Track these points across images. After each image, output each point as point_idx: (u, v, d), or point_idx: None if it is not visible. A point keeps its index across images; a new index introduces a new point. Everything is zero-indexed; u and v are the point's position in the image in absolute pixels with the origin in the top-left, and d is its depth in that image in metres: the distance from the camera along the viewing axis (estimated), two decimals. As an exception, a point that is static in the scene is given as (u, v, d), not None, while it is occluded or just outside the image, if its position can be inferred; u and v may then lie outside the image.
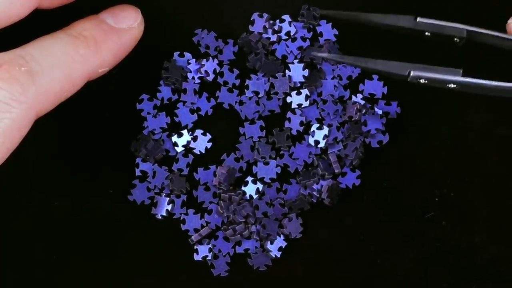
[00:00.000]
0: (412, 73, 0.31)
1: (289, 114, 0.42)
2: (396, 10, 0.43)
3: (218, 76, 0.42)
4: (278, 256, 0.41)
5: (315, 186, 0.41)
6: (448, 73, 0.32)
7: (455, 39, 0.33)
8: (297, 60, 0.43)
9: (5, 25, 0.35)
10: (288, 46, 0.43)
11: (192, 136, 0.42)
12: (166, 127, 0.42)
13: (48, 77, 0.34)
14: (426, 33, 0.32)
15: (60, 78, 0.34)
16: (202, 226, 0.41)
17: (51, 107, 0.35)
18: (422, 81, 0.32)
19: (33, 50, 0.34)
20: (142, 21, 0.38)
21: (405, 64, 0.34)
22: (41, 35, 0.36)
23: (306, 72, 0.42)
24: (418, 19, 0.32)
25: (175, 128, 0.42)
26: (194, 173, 0.42)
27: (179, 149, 0.42)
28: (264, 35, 0.43)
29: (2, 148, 0.33)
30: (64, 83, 0.35)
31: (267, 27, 0.43)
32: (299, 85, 0.42)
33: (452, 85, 0.32)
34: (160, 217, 0.41)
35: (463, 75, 0.32)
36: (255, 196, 0.41)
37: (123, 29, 0.37)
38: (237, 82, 0.43)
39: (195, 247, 0.41)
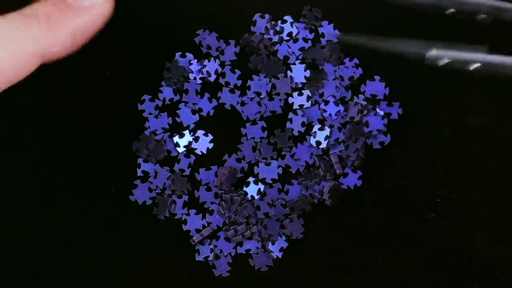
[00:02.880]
0: (435, 52, 0.29)
1: (290, 115, 0.42)
2: (398, 9, 0.43)
3: (220, 77, 0.43)
4: (280, 256, 0.41)
5: (316, 187, 0.41)
6: (473, 50, 0.30)
7: (480, 15, 0.31)
8: (299, 61, 0.43)
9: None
10: (290, 47, 0.43)
11: (193, 137, 0.42)
12: (168, 127, 0.42)
13: None
14: (450, 10, 0.31)
15: (8, 59, 0.33)
16: (204, 227, 0.41)
17: (1, 89, 0.34)
18: (445, 60, 0.30)
19: None
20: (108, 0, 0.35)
21: (426, 43, 0.32)
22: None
23: (307, 73, 0.42)
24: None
25: (177, 129, 0.42)
26: (196, 174, 0.42)
27: (181, 149, 0.42)
28: (266, 36, 0.43)
29: None
30: (13, 64, 0.33)
31: (269, 27, 0.43)
32: (300, 86, 0.42)
33: (475, 65, 0.30)
34: (161, 218, 0.41)
35: (490, 52, 0.30)
36: (256, 197, 0.42)
37: (83, 7, 0.34)
38: (239, 82, 0.43)
39: (196, 247, 0.41)
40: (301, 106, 0.42)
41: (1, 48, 0.32)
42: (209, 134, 0.42)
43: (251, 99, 0.42)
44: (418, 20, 0.41)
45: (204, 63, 0.42)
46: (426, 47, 0.29)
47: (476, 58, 0.29)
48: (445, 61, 0.29)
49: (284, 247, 0.41)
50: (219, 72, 0.42)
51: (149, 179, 0.42)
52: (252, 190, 0.42)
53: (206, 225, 0.41)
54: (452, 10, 0.30)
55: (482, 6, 0.30)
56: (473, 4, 0.30)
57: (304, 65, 0.42)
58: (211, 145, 0.42)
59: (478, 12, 0.30)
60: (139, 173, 0.42)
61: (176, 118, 0.42)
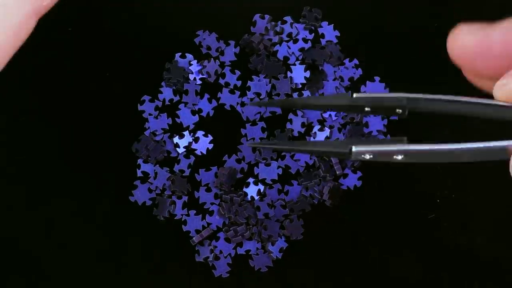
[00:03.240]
0: (354, 149, 0.30)
1: (290, 116, 0.42)
2: (398, 10, 0.43)
3: (220, 77, 0.42)
4: (279, 257, 0.41)
5: (316, 188, 0.41)
6: (392, 143, 0.30)
7: (397, 110, 0.31)
8: (299, 61, 0.43)
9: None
10: (289, 48, 0.43)
11: (193, 137, 0.42)
12: (168, 128, 0.42)
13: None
14: (366, 108, 0.31)
15: (9, 26, 0.33)
16: (204, 227, 0.42)
17: (6, 58, 0.34)
18: (367, 156, 0.30)
19: None
20: None
21: (345, 142, 0.33)
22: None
23: (307, 74, 0.42)
24: (355, 95, 0.30)
25: (177, 129, 0.42)
26: (196, 174, 0.42)
27: (181, 150, 0.42)
28: (266, 37, 0.43)
29: None
30: (14, 28, 0.34)
31: (269, 28, 0.43)
32: (300, 86, 0.42)
33: (399, 157, 0.30)
34: (161, 218, 0.41)
35: (409, 142, 0.30)
36: (256, 198, 0.42)
37: None
38: (239, 83, 0.43)
39: (196, 248, 0.41)
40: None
41: (3, 17, 0.32)
42: (209, 135, 0.42)
43: (251, 99, 0.42)
44: (400, 42, 0.41)
45: (204, 64, 0.42)
46: (347, 145, 0.29)
47: (397, 150, 0.29)
48: (369, 156, 0.29)
49: (284, 248, 0.41)
50: (219, 72, 0.42)
51: (149, 180, 0.42)
52: (252, 190, 0.42)
53: (206, 226, 0.42)
54: (368, 109, 0.30)
55: (397, 102, 0.30)
56: (388, 99, 0.30)
57: (304, 65, 0.42)
58: (211, 146, 0.42)
59: (394, 107, 0.30)
60: (139, 173, 0.42)
61: (176, 119, 0.42)
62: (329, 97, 0.31)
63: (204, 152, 0.42)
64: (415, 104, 0.30)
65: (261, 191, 0.42)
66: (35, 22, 0.34)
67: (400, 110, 0.30)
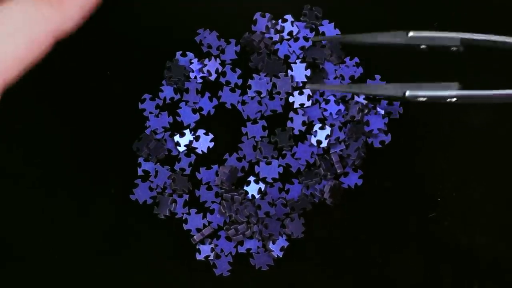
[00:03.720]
0: (407, 93, 0.31)
1: (291, 114, 0.42)
2: (399, 8, 0.43)
3: (221, 76, 0.42)
4: (280, 256, 0.41)
5: (317, 186, 0.41)
6: (444, 88, 0.31)
7: (452, 48, 0.32)
8: (300, 60, 0.43)
9: (25, 70, 0.35)
10: (290, 46, 0.43)
11: (194, 136, 0.42)
12: (169, 126, 0.42)
13: (12, 42, 0.33)
14: (422, 46, 0.32)
15: (24, 42, 0.34)
16: (204, 226, 0.41)
17: (18, 73, 0.35)
18: (421, 99, 0.32)
19: None
20: None
21: (401, 85, 0.34)
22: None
23: (308, 72, 0.42)
24: (410, 33, 0.31)
25: (177, 128, 0.42)
26: (196, 173, 0.42)
27: (181, 148, 0.42)
28: (267, 35, 0.43)
29: None
30: (29, 46, 0.34)
31: (270, 26, 0.43)
32: (301, 85, 0.42)
33: (452, 99, 0.32)
34: (162, 217, 0.41)
35: (460, 88, 0.32)
36: (257, 196, 0.41)
37: None
38: (240, 82, 0.42)
39: (197, 246, 0.41)
40: (301, 105, 0.42)
41: (17, 33, 0.33)
42: (209, 133, 0.42)
43: (252, 98, 0.42)
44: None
45: (205, 62, 0.42)
46: (402, 88, 0.30)
47: (448, 95, 0.30)
48: (423, 99, 0.31)
49: (285, 247, 0.41)
50: (220, 71, 0.42)
51: (149, 178, 0.42)
52: (252, 189, 0.42)
53: (207, 224, 0.41)
54: (424, 46, 0.31)
55: (451, 39, 0.31)
56: (442, 39, 0.31)
57: (305, 64, 0.42)
58: (211, 144, 0.42)
59: (448, 45, 0.31)
60: (140, 172, 0.42)
61: (177, 117, 0.42)
62: (386, 35, 0.32)
63: (205, 151, 0.42)
64: (468, 42, 0.31)
65: (262, 189, 0.42)
66: (52, 43, 0.34)
67: (455, 48, 0.31)
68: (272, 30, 0.43)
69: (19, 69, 0.34)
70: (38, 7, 0.34)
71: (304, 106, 0.42)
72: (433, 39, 0.31)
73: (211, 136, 0.42)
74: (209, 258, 0.41)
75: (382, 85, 0.35)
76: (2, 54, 0.32)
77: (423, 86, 0.31)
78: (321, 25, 0.43)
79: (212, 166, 0.42)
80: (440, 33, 0.31)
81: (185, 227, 0.41)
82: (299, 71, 0.42)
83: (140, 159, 0.42)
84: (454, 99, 0.31)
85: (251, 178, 0.42)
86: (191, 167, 0.42)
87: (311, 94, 0.42)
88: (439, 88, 0.31)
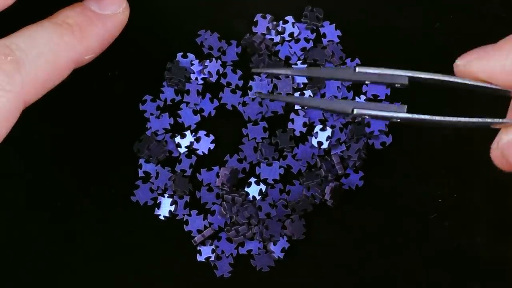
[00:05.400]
0: (355, 111, 0.31)
1: (292, 115, 0.42)
2: (400, 10, 0.43)
3: (221, 77, 0.42)
4: (281, 257, 0.41)
5: (318, 187, 0.41)
6: (392, 109, 0.32)
7: (397, 85, 0.32)
8: (300, 61, 0.43)
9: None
10: (291, 47, 0.43)
11: (195, 137, 0.42)
12: (169, 128, 0.42)
13: (34, 65, 0.34)
14: (366, 82, 0.32)
15: (46, 66, 0.34)
16: (205, 227, 0.41)
17: (38, 96, 0.35)
18: (366, 118, 0.32)
19: (18, 39, 0.34)
20: (127, 7, 0.38)
21: (348, 102, 0.35)
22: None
23: (309, 73, 0.42)
24: (357, 69, 0.32)
25: (178, 129, 0.42)
26: (197, 174, 0.42)
27: (182, 150, 0.42)
28: (268, 36, 0.43)
29: None
30: (50, 71, 0.35)
31: (271, 28, 0.43)
32: (302, 86, 0.42)
33: (398, 120, 0.32)
34: (163, 218, 0.41)
35: (408, 111, 0.32)
36: (258, 197, 0.42)
37: (108, 15, 0.37)
38: (240, 83, 0.42)
39: (198, 248, 0.41)
40: (302, 106, 0.42)
41: (39, 57, 0.34)
42: (210, 135, 0.42)
43: (253, 99, 0.42)
44: (400, 43, 0.42)
45: (206, 64, 0.42)
46: (350, 106, 0.31)
47: (395, 116, 0.31)
48: (369, 118, 0.32)
49: (286, 248, 0.41)
50: (221, 72, 0.42)
51: (150, 180, 0.42)
52: (253, 190, 0.42)
53: (208, 226, 0.41)
54: (368, 82, 0.32)
55: (396, 78, 0.32)
56: (387, 77, 0.31)
57: (306, 65, 0.42)
58: (212, 146, 0.42)
59: (393, 83, 0.32)
60: (141, 173, 0.42)
61: (178, 119, 0.42)
62: (333, 70, 0.33)
63: (206, 152, 0.42)
64: (416, 81, 0.32)
65: (263, 191, 0.42)
66: (71, 70, 0.35)
67: (399, 85, 0.31)
68: (273, 32, 0.43)
69: (40, 93, 0.35)
70: (62, 35, 0.35)
71: (305, 107, 0.42)
72: (380, 77, 0.32)
73: (212, 137, 0.42)
74: (210, 260, 0.41)
75: (333, 101, 0.36)
76: (25, 77, 0.33)
77: (371, 105, 0.32)
78: (322, 26, 0.43)
79: (213, 167, 0.42)
80: (387, 70, 0.32)
81: (186, 228, 0.41)
82: (300, 73, 0.42)
83: (141, 161, 0.42)
84: (399, 120, 0.31)
85: (252, 180, 0.42)
86: (192, 169, 0.42)
87: (311, 95, 0.42)
88: (387, 109, 0.31)
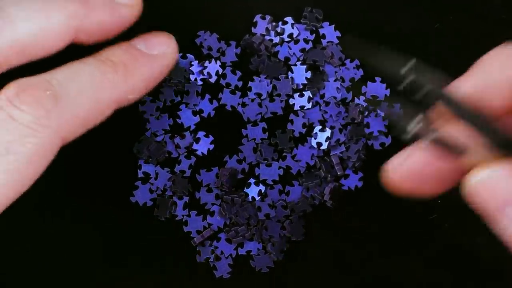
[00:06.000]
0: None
1: (291, 116, 0.42)
2: (399, 11, 0.43)
3: (221, 78, 0.42)
4: (281, 258, 0.41)
5: (317, 188, 0.41)
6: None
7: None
8: (300, 62, 0.43)
9: (39, 57, 0.34)
10: (290, 48, 0.43)
11: (194, 138, 0.42)
12: (169, 129, 0.42)
13: (74, 101, 0.32)
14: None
15: (86, 103, 0.33)
16: (205, 228, 0.42)
17: (78, 133, 0.34)
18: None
19: (59, 74, 0.33)
20: (175, 47, 0.37)
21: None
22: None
23: (308, 74, 0.42)
24: None
25: (178, 130, 0.42)
26: (197, 175, 0.42)
27: (182, 150, 0.42)
28: (267, 37, 0.43)
29: (25, 173, 0.32)
30: (90, 108, 0.33)
31: (270, 29, 0.43)
32: (301, 87, 0.42)
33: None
34: (162, 219, 0.42)
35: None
36: (257, 198, 0.42)
37: (155, 55, 0.36)
38: (240, 84, 0.42)
39: (197, 248, 0.41)
40: (302, 107, 0.42)
41: (81, 92, 0.32)
42: (209, 135, 0.42)
43: (252, 100, 0.42)
44: (400, 43, 0.42)
45: (205, 64, 0.42)
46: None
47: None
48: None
49: (285, 249, 0.41)
50: (220, 73, 0.42)
51: (149, 181, 0.42)
52: (253, 191, 0.42)
53: (207, 227, 0.42)
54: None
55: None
56: None
57: (305, 66, 0.42)
58: (211, 146, 0.42)
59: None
60: (140, 174, 0.42)
61: (177, 120, 0.42)
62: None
63: (205, 153, 0.42)
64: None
65: (262, 191, 0.42)
66: (114, 109, 0.34)
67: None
68: (272, 32, 0.43)
69: (79, 130, 0.34)
70: (105, 72, 0.34)
71: (304, 108, 0.42)
72: None
73: (211, 138, 0.42)
74: (209, 260, 0.41)
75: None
76: (64, 113, 0.32)
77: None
78: (322, 27, 0.43)
79: (212, 168, 0.42)
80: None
81: (185, 229, 0.42)
82: (300, 73, 0.42)
83: (140, 161, 0.42)
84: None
85: (251, 180, 0.42)
86: (191, 169, 0.42)
87: (311, 96, 0.42)
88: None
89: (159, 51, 0.36)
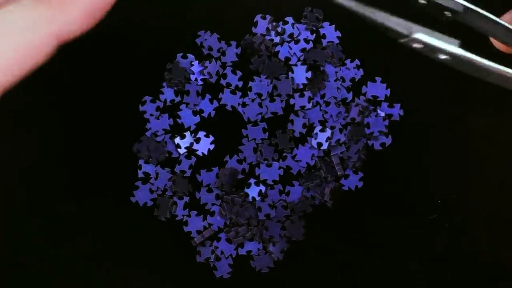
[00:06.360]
0: (414, 35, 0.30)
1: (292, 116, 0.42)
2: (399, 10, 0.43)
3: (221, 78, 0.42)
4: (281, 258, 0.41)
5: (317, 188, 0.41)
6: (446, 42, 0.31)
7: (447, 13, 0.32)
8: (300, 62, 0.43)
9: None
10: (291, 48, 0.43)
11: (194, 138, 0.42)
12: (169, 129, 0.42)
13: (10, 45, 0.32)
14: (422, 1, 0.32)
15: (23, 45, 0.33)
16: (205, 228, 0.41)
17: (18, 78, 0.34)
18: (417, 45, 0.31)
19: None
20: None
21: (409, 24, 0.33)
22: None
23: (309, 74, 0.42)
24: None
25: (178, 130, 0.42)
26: (197, 175, 0.42)
27: (182, 151, 0.42)
28: (267, 37, 0.43)
29: None
30: (29, 50, 0.33)
31: (270, 29, 0.43)
32: (302, 87, 0.42)
33: (445, 57, 0.31)
34: (162, 219, 0.41)
35: (460, 46, 0.32)
36: (257, 198, 0.41)
37: None
38: (240, 84, 0.42)
39: (197, 248, 0.41)
40: (302, 107, 0.42)
41: (15, 35, 0.32)
42: (210, 135, 0.42)
43: (252, 100, 0.42)
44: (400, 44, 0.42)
45: (205, 64, 0.42)
46: (408, 28, 0.30)
47: (448, 49, 0.30)
48: (420, 46, 0.30)
49: (285, 249, 0.41)
50: (220, 73, 0.42)
51: (150, 181, 0.42)
52: (253, 191, 0.42)
53: (207, 227, 0.41)
54: (423, 1, 0.31)
55: (454, 5, 0.31)
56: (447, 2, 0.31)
57: (306, 66, 0.42)
58: (212, 146, 0.42)
59: (446, 9, 0.31)
60: (140, 174, 0.42)
61: (177, 120, 0.42)
62: None
63: (205, 153, 0.42)
64: (465, 15, 0.31)
65: (262, 191, 0.42)
66: (55, 45, 0.34)
67: (450, 15, 0.31)
68: (272, 32, 0.43)
69: (19, 74, 0.33)
70: (37, 9, 0.34)
71: (305, 108, 0.42)
72: None
73: (211, 138, 0.42)
74: (210, 260, 0.41)
75: (392, 18, 0.34)
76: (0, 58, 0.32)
77: (428, 32, 0.31)
78: (322, 27, 0.43)
79: (212, 168, 0.42)
80: None
81: (185, 229, 0.41)
82: (300, 73, 0.42)
83: (141, 161, 0.42)
84: (446, 57, 0.31)
85: (252, 180, 0.42)
86: (191, 169, 0.42)
87: (311, 96, 0.42)
88: (442, 39, 0.31)
89: None
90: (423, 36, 0.30)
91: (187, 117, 0.42)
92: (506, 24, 0.32)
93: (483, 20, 0.32)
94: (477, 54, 0.30)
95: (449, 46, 0.30)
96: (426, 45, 0.30)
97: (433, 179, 0.42)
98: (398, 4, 0.33)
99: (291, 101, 0.42)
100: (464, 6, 0.31)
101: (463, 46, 0.30)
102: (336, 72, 0.43)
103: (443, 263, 0.42)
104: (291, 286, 0.42)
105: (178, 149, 0.42)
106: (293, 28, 0.43)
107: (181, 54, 0.43)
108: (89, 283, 0.42)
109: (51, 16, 0.33)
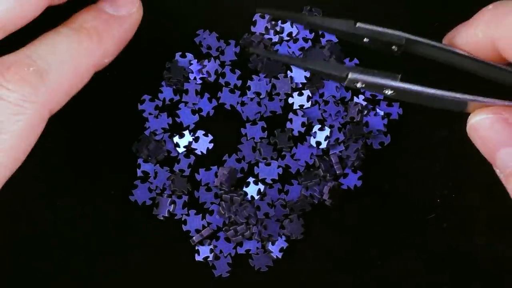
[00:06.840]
0: (350, 76, 0.31)
1: (290, 115, 0.42)
2: (399, 10, 0.43)
3: (220, 77, 0.42)
4: (280, 257, 0.41)
5: (316, 187, 0.41)
6: (386, 77, 0.32)
7: (393, 47, 0.33)
8: (299, 61, 0.43)
9: (17, 27, 0.34)
10: (290, 47, 0.43)
11: (193, 137, 0.42)
12: (168, 127, 0.42)
13: (57, 74, 0.34)
14: (365, 39, 0.32)
15: (68, 74, 0.34)
16: (204, 227, 0.41)
17: (63, 104, 0.35)
18: (358, 85, 0.32)
19: (39, 48, 0.34)
20: (140, 5, 0.38)
21: (343, 66, 0.34)
22: (41, 26, 0.35)
23: (308, 73, 0.42)
24: (358, 24, 0.32)
25: (177, 129, 0.42)
26: (196, 174, 0.42)
27: (181, 149, 0.42)
28: (266, 36, 0.43)
29: (19, 149, 0.33)
30: (72, 78, 0.35)
31: (269, 27, 0.43)
32: (300, 86, 0.42)
33: (389, 91, 0.32)
34: (161, 218, 0.41)
35: (401, 80, 0.32)
36: (256, 197, 0.42)
37: (124, 16, 0.37)
38: (239, 83, 0.42)
39: (196, 247, 0.41)
40: (301, 106, 0.42)
41: (62, 64, 0.33)
42: (209, 134, 0.42)
43: (251, 99, 0.42)
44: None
45: (204, 63, 0.42)
46: (345, 70, 0.31)
47: (388, 85, 0.31)
48: (361, 85, 0.31)
49: (284, 248, 0.41)
50: (219, 72, 0.42)
51: (149, 180, 0.42)
52: (252, 190, 0.42)
53: (206, 226, 0.41)
54: (367, 40, 0.32)
55: (396, 37, 0.32)
56: (388, 35, 0.32)
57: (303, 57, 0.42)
58: (211, 145, 0.42)
59: (392, 43, 0.32)
60: (139, 173, 0.42)
61: (176, 118, 0.42)
62: (333, 21, 0.33)
63: (204, 152, 0.42)
64: (412, 46, 0.32)
65: (261, 190, 0.42)
66: (92, 74, 0.35)
67: (396, 48, 0.32)
68: (271, 31, 0.43)
69: (64, 100, 0.35)
70: (81, 41, 0.35)
71: (304, 107, 0.42)
72: (379, 34, 0.32)
73: (210, 137, 0.42)
74: (208, 259, 0.41)
75: (328, 63, 0.35)
76: (49, 87, 0.33)
77: (367, 72, 0.32)
78: (321, 26, 0.43)
79: (211, 167, 0.42)
80: (387, 29, 0.32)
81: (184, 228, 0.41)
82: (299, 72, 0.42)
83: (140, 160, 0.42)
84: (391, 92, 0.32)
85: (251, 179, 0.42)
86: (190, 168, 0.42)
87: (310, 95, 0.42)
88: (381, 77, 0.32)
89: (126, 12, 0.37)
90: (359, 76, 0.31)
91: (186, 116, 0.42)
92: (447, 47, 0.33)
93: (426, 47, 0.32)
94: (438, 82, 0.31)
95: (387, 81, 0.31)
96: (367, 83, 0.31)
97: (432, 178, 0.42)
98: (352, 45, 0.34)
99: (290, 100, 0.42)
100: (405, 38, 0.32)
101: (417, 77, 0.31)
102: (335, 71, 0.43)
103: (442, 262, 0.42)
104: (290, 285, 0.42)
105: (177, 148, 0.42)
106: (292, 27, 0.43)
107: (180, 53, 0.43)
108: (87, 282, 0.42)
109: (91, 48, 0.35)
